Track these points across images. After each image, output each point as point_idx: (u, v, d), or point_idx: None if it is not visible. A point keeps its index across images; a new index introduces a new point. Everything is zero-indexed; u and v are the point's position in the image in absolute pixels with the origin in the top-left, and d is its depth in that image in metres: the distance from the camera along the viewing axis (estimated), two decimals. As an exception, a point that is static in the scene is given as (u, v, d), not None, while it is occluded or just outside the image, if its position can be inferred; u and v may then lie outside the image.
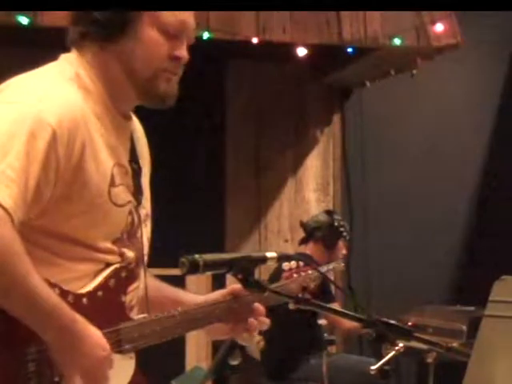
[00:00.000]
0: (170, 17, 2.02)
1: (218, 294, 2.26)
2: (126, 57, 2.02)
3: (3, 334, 1.85)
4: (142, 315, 2.10)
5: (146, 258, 2.16)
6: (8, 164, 1.81)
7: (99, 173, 1.97)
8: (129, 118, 2.12)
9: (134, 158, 2.12)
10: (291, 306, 2.40)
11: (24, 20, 4.59)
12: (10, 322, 1.83)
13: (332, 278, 5.84)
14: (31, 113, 1.86)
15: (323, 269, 2.50)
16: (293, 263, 2.40)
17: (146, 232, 2.15)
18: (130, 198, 2.06)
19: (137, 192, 2.10)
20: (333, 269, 2.80)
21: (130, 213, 2.07)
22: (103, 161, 1.98)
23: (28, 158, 1.83)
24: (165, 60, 2.03)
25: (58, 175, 1.89)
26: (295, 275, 2.41)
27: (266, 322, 2.27)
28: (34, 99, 1.89)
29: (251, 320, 2.24)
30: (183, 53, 2.06)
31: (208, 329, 2.26)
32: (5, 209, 1.79)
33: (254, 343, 2.29)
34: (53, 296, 1.86)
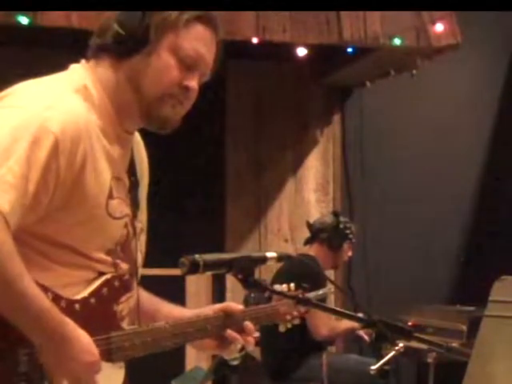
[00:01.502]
0: (189, 47, 2.04)
1: (209, 310, 2.27)
2: (137, 74, 2.03)
3: None
4: (133, 326, 2.11)
5: (139, 271, 2.16)
6: (8, 169, 1.82)
7: (98, 184, 1.98)
8: (132, 133, 2.13)
9: (132, 170, 2.13)
10: (281, 329, 2.41)
11: (24, 20, 4.59)
12: (1, 323, 1.83)
13: (332, 278, 5.86)
14: (36, 120, 1.87)
15: (312, 294, 2.49)
16: (284, 286, 2.40)
17: (140, 245, 2.15)
18: (126, 211, 2.07)
19: (133, 205, 2.11)
20: (323, 294, 2.81)
21: (126, 226, 2.08)
22: (103, 173, 1.99)
23: (28, 164, 1.84)
24: (174, 86, 2.04)
25: (58, 183, 1.90)
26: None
27: (251, 343, 2.27)
28: (40, 106, 1.90)
29: (231, 333, 2.24)
30: (193, 84, 2.07)
31: (194, 343, 2.28)
32: (1, 213, 1.80)
33: (238, 356, 2.29)
34: (44, 299, 1.86)
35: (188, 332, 2.17)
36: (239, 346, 2.26)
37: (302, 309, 2.42)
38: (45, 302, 1.86)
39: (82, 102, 1.98)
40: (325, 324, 4.99)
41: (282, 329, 2.41)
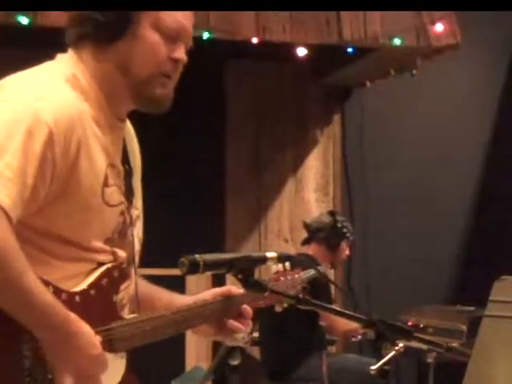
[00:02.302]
0: (170, 20, 2.03)
1: (208, 295, 2.27)
2: (123, 58, 2.02)
3: None
4: (133, 315, 2.11)
5: (137, 258, 2.16)
6: (5, 163, 1.82)
7: (93, 173, 1.97)
8: (123, 120, 2.13)
9: (125, 159, 2.13)
10: (277, 309, 2.40)
11: (24, 20, 4.59)
12: (5, 318, 1.83)
13: (332, 278, 5.86)
14: (28, 112, 1.87)
15: (306, 274, 2.48)
16: (280, 266, 2.39)
17: (137, 233, 2.15)
18: (122, 198, 2.07)
19: (128, 193, 2.11)
20: (317, 274, 2.78)
21: (122, 213, 2.08)
22: (97, 161, 1.99)
23: (25, 157, 1.84)
24: (163, 62, 2.03)
25: (54, 174, 1.90)
26: (282, 278, 2.41)
27: (249, 326, 2.27)
28: (30, 98, 1.90)
29: (232, 322, 2.24)
30: (182, 55, 2.06)
31: (195, 329, 2.27)
32: (2, 208, 1.80)
33: (241, 343, 2.29)
34: (47, 294, 1.87)
35: (188, 319, 2.17)
36: (242, 335, 2.25)
37: (299, 287, 2.41)
38: (48, 297, 1.87)
39: (72, 91, 1.98)
40: (341, 320, 4.94)
41: (278, 309, 2.39)
